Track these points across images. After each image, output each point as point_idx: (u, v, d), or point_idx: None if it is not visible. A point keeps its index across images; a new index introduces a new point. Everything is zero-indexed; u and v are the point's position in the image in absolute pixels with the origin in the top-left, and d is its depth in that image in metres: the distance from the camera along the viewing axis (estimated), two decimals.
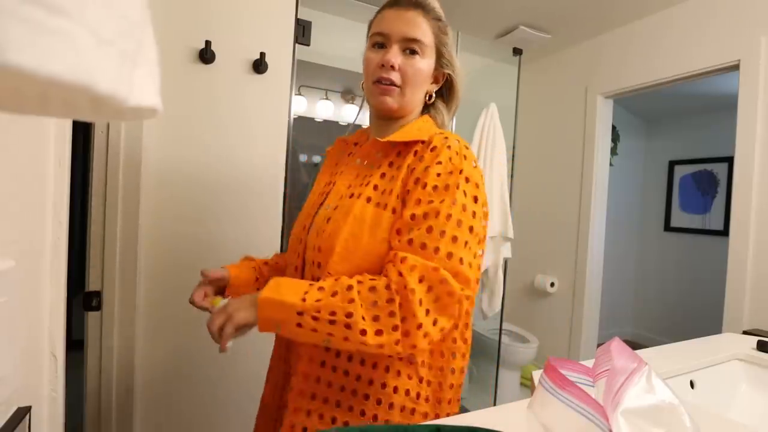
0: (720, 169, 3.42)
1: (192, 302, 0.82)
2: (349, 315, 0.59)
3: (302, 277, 0.76)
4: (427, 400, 0.70)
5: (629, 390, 0.42)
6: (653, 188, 3.89)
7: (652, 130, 3.95)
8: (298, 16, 1.42)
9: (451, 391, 0.72)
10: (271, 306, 0.62)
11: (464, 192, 0.65)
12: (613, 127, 3.35)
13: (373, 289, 0.61)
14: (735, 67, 1.79)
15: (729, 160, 3.26)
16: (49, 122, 0.62)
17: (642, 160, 3.96)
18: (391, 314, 0.59)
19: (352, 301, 0.60)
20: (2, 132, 0.49)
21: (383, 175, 0.71)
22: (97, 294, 1.17)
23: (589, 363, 0.49)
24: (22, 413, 0.51)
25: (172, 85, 1.24)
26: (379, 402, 0.68)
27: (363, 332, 0.59)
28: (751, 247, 1.68)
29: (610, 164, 2.61)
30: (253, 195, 1.37)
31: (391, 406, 0.68)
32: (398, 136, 0.72)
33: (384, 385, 0.68)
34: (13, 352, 0.50)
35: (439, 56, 0.77)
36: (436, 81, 0.79)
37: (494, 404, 1.79)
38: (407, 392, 0.69)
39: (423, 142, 0.70)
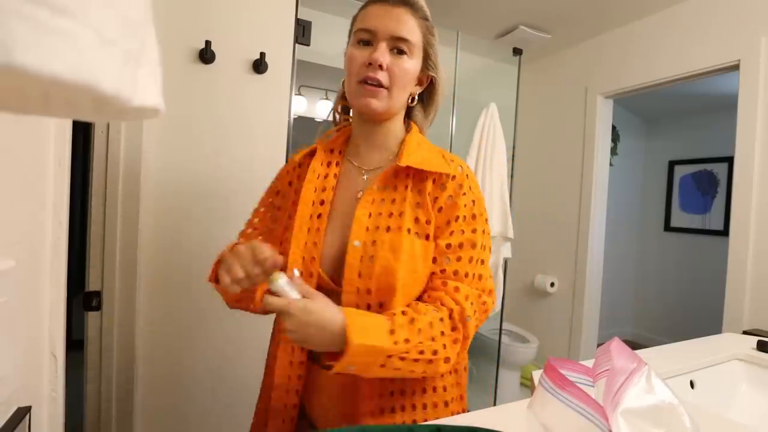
0: (720, 169, 3.42)
1: (224, 280, 0.61)
2: (435, 352, 0.62)
3: None
4: (456, 385, 0.76)
5: (629, 390, 0.42)
6: (653, 188, 3.90)
7: (652, 130, 3.95)
8: (298, 16, 1.42)
9: (466, 374, 0.79)
10: (362, 353, 0.57)
11: (484, 218, 0.72)
12: (613, 127, 3.35)
13: (441, 320, 0.64)
14: (735, 67, 1.79)
15: (729, 160, 3.26)
16: (49, 122, 0.62)
17: (642, 160, 3.96)
18: (455, 341, 0.65)
19: (434, 339, 0.62)
20: (3, 132, 0.49)
21: (410, 203, 0.70)
22: (97, 294, 1.17)
23: (589, 363, 0.49)
24: (22, 413, 0.51)
25: (172, 85, 1.24)
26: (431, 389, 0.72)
27: (442, 362, 0.64)
28: (751, 247, 1.68)
29: (610, 164, 2.61)
30: (253, 194, 1.36)
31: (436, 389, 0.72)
32: (417, 162, 0.69)
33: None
34: (13, 352, 0.50)
35: (426, 57, 0.74)
36: (420, 83, 0.76)
37: (494, 404, 1.79)
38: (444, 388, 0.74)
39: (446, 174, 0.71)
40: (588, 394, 0.37)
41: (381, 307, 0.66)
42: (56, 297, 0.63)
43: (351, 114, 0.81)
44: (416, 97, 0.77)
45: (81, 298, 1.16)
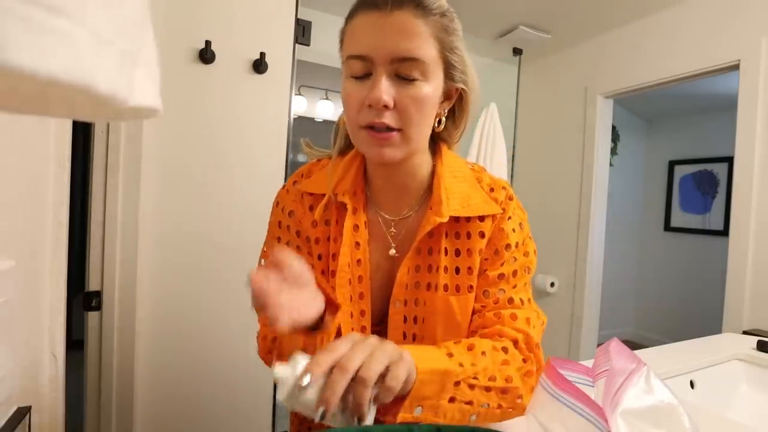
0: (720, 169, 3.42)
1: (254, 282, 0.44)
2: (508, 379, 0.53)
3: None
4: None
5: (628, 391, 0.42)
6: (653, 188, 3.89)
7: (652, 130, 3.95)
8: (298, 16, 1.42)
9: None
10: (429, 381, 0.46)
11: (530, 235, 0.66)
12: (613, 127, 3.35)
13: (506, 350, 0.56)
14: (735, 67, 1.79)
15: (729, 160, 3.26)
16: (49, 122, 0.62)
17: (642, 160, 3.96)
18: (528, 374, 0.57)
19: (505, 363, 0.54)
20: (3, 132, 0.49)
21: (446, 252, 0.60)
22: (97, 294, 1.17)
23: (589, 363, 0.49)
24: (22, 413, 0.51)
25: (172, 85, 1.24)
26: None
27: (520, 396, 0.54)
28: (751, 247, 1.68)
29: (610, 164, 2.60)
30: (253, 195, 1.37)
31: None
32: (458, 208, 0.59)
33: None
34: (13, 352, 0.50)
35: (448, 67, 0.56)
36: (447, 98, 0.59)
37: None
38: None
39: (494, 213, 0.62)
40: (587, 395, 0.37)
41: None
42: (56, 297, 0.63)
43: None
44: (443, 119, 0.61)
45: (81, 298, 1.16)
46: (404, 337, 0.60)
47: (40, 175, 0.60)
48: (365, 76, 0.53)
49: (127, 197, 1.18)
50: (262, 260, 0.66)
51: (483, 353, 0.53)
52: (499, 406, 0.53)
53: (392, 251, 0.63)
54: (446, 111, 0.61)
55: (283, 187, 0.67)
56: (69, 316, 0.70)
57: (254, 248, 1.43)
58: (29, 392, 0.57)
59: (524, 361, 0.57)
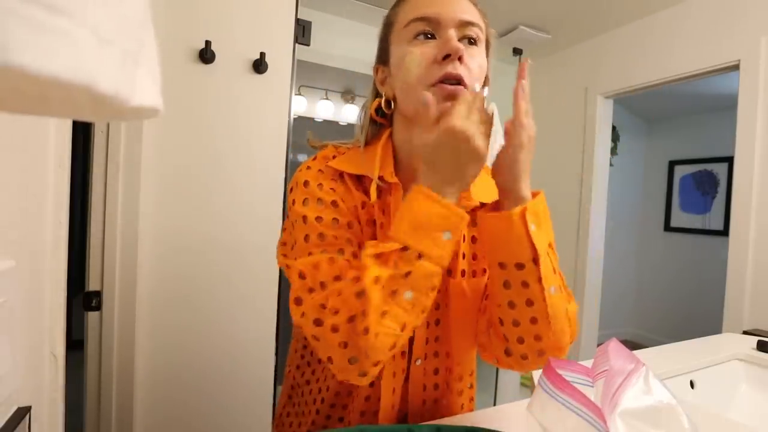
0: (720, 169, 3.42)
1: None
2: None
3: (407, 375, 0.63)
4: (471, 387, 0.75)
5: (627, 391, 0.42)
6: (653, 188, 3.89)
7: (652, 130, 3.95)
8: (298, 16, 1.42)
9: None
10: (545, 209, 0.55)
11: None
12: (613, 127, 3.34)
13: None
14: (735, 67, 1.79)
15: (729, 160, 3.26)
16: (49, 122, 0.61)
17: (642, 160, 3.96)
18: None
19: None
20: (2, 132, 0.49)
21: (464, 238, 0.62)
22: (97, 294, 1.17)
23: (588, 363, 0.49)
24: (22, 413, 0.51)
25: (172, 85, 1.24)
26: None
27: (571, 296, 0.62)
28: (751, 247, 1.68)
29: (610, 164, 2.61)
30: (253, 195, 1.37)
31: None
32: (484, 195, 0.60)
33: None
34: (12, 352, 0.50)
35: (487, 54, 0.60)
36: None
37: (494, 404, 1.79)
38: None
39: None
40: (586, 396, 0.37)
41: (437, 355, 0.64)
42: (56, 297, 0.63)
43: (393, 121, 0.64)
44: None
45: (81, 298, 1.16)
46: (427, 325, 0.62)
47: (40, 175, 0.60)
48: (429, 37, 0.55)
49: (127, 197, 1.18)
50: (283, 257, 0.59)
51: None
52: (560, 290, 0.54)
53: None
54: None
55: (308, 168, 0.60)
56: (69, 316, 0.70)
57: (254, 247, 1.43)
58: (29, 392, 0.57)
59: None
